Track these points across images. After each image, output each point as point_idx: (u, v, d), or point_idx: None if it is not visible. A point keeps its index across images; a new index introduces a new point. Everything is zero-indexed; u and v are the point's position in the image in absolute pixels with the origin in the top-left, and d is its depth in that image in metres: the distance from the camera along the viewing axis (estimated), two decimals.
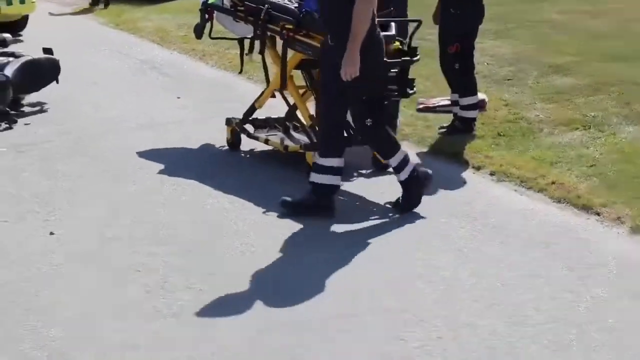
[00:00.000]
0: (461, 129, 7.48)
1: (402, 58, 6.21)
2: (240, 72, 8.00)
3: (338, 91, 5.67)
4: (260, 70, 9.16)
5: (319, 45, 6.21)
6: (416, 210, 5.83)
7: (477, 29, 7.52)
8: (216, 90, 9.69)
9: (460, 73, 7.43)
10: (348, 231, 5.53)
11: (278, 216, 5.74)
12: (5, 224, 5.65)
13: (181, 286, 4.73)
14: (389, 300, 4.60)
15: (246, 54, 7.39)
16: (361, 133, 5.93)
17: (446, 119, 7.72)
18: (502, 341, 4.18)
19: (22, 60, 8.56)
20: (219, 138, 7.43)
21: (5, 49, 8.95)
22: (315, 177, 5.82)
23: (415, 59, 6.28)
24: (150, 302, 4.53)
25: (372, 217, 5.76)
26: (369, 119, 5.68)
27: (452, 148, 7.15)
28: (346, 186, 6.32)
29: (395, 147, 5.86)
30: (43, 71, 8.73)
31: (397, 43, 6.28)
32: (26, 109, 8.67)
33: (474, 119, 7.54)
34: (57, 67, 8.83)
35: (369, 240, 5.37)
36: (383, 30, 6.14)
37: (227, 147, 7.33)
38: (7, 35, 9.44)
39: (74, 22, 15.29)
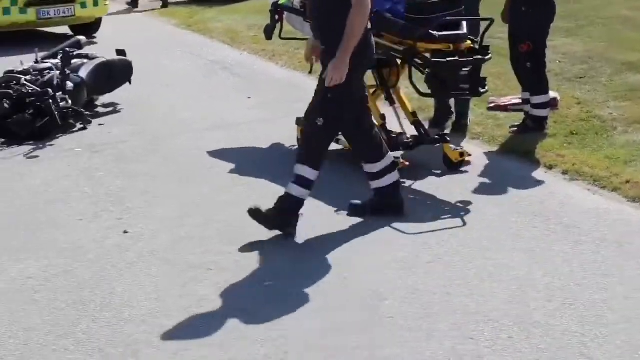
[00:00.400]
0: (533, 128, 7.39)
1: (474, 57, 6.17)
2: (310, 72, 7.98)
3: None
4: None
5: (389, 44, 6.21)
6: (488, 210, 5.78)
7: (548, 27, 7.41)
8: (286, 90, 9.74)
9: (531, 71, 7.34)
10: (419, 231, 5.50)
11: (348, 215, 5.74)
12: (81, 222, 5.76)
13: (251, 284, 4.76)
14: (460, 299, 4.56)
15: None
16: (308, 129, 5.66)
17: (517, 118, 7.64)
18: (575, 341, 4.12)
19: (96, 62, 8.71)
20: (289, 138, 7.47)
21: (80, 51, 9.10)
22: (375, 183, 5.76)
23: (487, 57, 6.23)
24: (221, 300, 4.58)
25: (444, 217, 5.73)
26: (320, 119, 5.44)
27: (524, 147, 7.07)
28: (417, 185, 6.31)
29: (318, 165, 5.53)
30: (116, 72, 8.87)
31: (469, 42, 6.24)
32: (100, 110, 8.83)
33: (545, 118, 7.44)
34: (130, 69, 8.96)
35: (440, 240, 5.34)
36: (454, 29, 6.12)
37: (297, 147, 7.35)
38: (82, 38, 9.62)
39: (146, 24, 15.52)
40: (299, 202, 5.48)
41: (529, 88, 7.40)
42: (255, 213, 5.43)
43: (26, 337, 4.23)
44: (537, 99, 7.35)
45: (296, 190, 5.47)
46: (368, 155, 5.75)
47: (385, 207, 5.74)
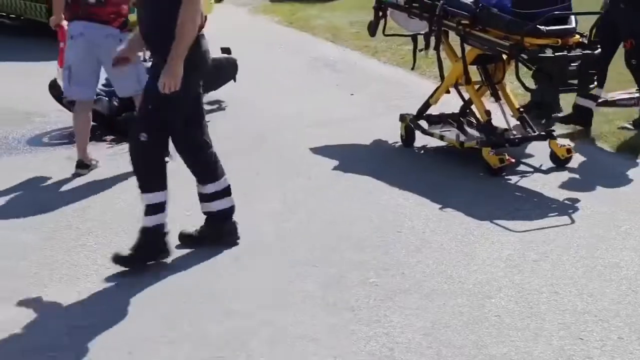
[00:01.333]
0: None
1: (583, 51, 6.04)
2: (413, 68, 8.00)
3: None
4: (433, 66, 9.15)
5: (495, 40, 6.15)
6: (596, 207, 5.67)
7: None
8: (389, 86, 9.72)
9: (636, 68, 7.16)
10: (525, 229, 5.43)
11: (453, 212, 5.70)
12: (189, 216, 5.84)
13: (357, 281, 4.76)
14: (569, 298, 4.49)
15: (420, 50, 7.39)
16: (132, 149, 5.09)
17: (626, 115, 7.47)
18: None
19: None
20: (393, 134, 7.45)
21: None
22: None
23: (596, 52, 6.10)
24: (327, 296, 4.59)
25: (551, 214, 5.65)
26: (144, 134, 4.93)
27: (633, 143, 6.91)
28: (523, 182, 6.23)
29: (161, 184, 5.11)
30: (222, 70, 8.97)
31: (577, 36, 6.12)
32: (205, 107, 8.90)
33: None
34: (235, 66, 9.05)
35: (547, 237, 5.26)
36: (562, 24, 6.01)
37: (400, 144, 7.34)
38: None
39: (249, 22, 15.67)
40: (158, 230, 5.06)
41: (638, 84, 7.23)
42: (118, 259, 4.96)
43: (136, 328, 4.32)
44: None
45: (150, 221, 5.05)
46: (200, 174, 5.36)
47: (214, 235, 5.29)
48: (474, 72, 7.02)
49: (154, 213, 5.05)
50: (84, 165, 6.74)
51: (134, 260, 4.95)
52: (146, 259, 5.01)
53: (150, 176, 5.09)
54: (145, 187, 5.09)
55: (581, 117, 7.36)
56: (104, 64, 6.59)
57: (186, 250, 5.25)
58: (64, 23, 6.98)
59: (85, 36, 6.59)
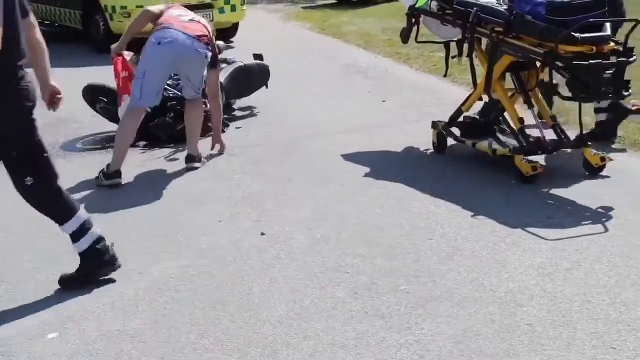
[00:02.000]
0: None
1: (618, 59, 6.00)
2: (445, 75, 7.99)
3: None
4: (464, 73, 9.15)
5: (529, 47, 6.13)
6: (630, 216, 5.62)
7: None
8: (421, 93, 9.71)
9: None
10: (557, 237, 5.39)
11: (485, 220, 5.68)
12: (220, 223, 5.87)
13: (388, 288, 4.75)
14: (601, 307, 4.44)
15: (453, 57, 7.38)
16: (22, 194, 4.84)
17: None
18: None
19: (234, 66, 8.87)
20: (425, 141, 7.44)
21: (219, 56, 9.27)
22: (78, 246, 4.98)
23: (631, 59, 6.04)
24: (357, 303, 4.58)
25: (584, 222, 5.60)
26: (29, 178, 4.74)
27: None
28: (556, 190, 6.19)
29: (70, 211, 4.92)
30: (254, 76, 9.01)
31: (612, 43, 6.07)
32: (237, 113, 8.99)
33: None
34: (267, 73, 9.09)
35: (579, 246, 5.22)
36: (597, 31, 5.97)
37: (432, 150, 7.33)
38: (220, 43, 9.77)
39: (282, 28, 15.74)
40: (92, 248, 4.96)
41: None
42: (62, 281, 4.95)
43: (168, 335, 4.33)
44: None
45: (80, 245, 4.95)
46: (52, 214, 5.00)
47: (95, 270, 5.01)
48: (507, 79, 6.98)
49: (81, 236, 4.94)
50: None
51: (78, 281, 4.92)
52: (93, 276, 4.96)
53: (56, 207, 4.93)
54: (56, 219, 4.96)
55: (605, 133, 7.30)
56: (187, 74, 7.12)
57: (216, 257, 5.27)
58: (125, 53, 7.17)
59: (175, 44, 6.87)
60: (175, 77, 8.59)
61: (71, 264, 5.07)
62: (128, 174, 6.97)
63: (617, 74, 5.97)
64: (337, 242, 5.42)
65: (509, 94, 6.86)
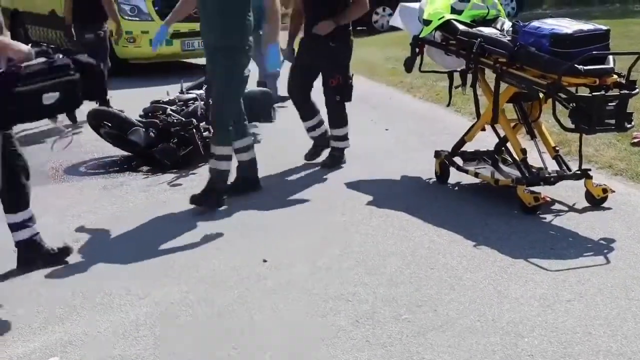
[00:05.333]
0: None
1: (621, 91, 6.02)
2: (448, 104, 8.02)
3: None
4: (467, 102, 9.19)
5: (533, 78, 6.16)
6: (631, 248, 5.63)
7: None
8: (424, 122, 9.74)
9: None
10: (559, 268, 5.39)
11: (487, 250, 5.68)
12: (221, 250, 5.87)
13: (389, 317, 4.74)
14: (603, 339, 4.43)
15: (456, 87, 7.41)
16: None
17: None
18: None
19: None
20: (427, 170, 7.46)
21: None
22: None
23: (634, 92, 6.07)
24: (359, 332, 4.58)
25: (585, 254, 5.60)
26: None
27: None
28: (558, 221, 6.20)
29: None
30: (257, 104, 9.02)
31: (615, 76, 6.10)
32: None
33: None
34: (270, 100, 9.11)
35: (581, 277, 5.21)
36: (600, 64, 6.00)
37: (435, 180, 7.34)
38: None
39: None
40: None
41: None
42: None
43: None
44: None
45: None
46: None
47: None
48: (510, 110, 7.01)
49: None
50: None
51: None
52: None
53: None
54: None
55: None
56: None
57: (217, 283, 5.27)
58: None
59: None
60: (179, 102, 8.64)
61: (74, 287, 5.08)
62: (131, 199, 6.98)
63: (620, 106, 5.99)
64: (339, 271, 5.43)
65: (512, 124, 6.88)
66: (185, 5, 7.01)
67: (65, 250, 5.69)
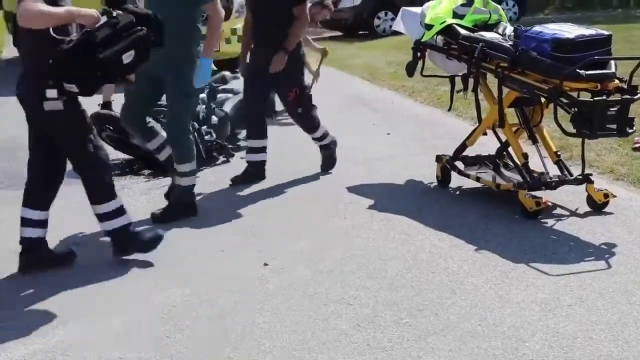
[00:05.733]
0: None
1: (622, 96, 6.03)
2: (450, 109, 8.02)
3: None
4: (469, 107, 9.19)
5: (534, 83, 6.17)
6: (633, 253, 5.63)
7: None
8: (425, 126, 9.75)
9: None
10: (561, 273, 5.39)
11: (488, 254, 5.68)
12: (223, 253, 5.88)
13: (390, 321, 4.75)
14: (604, 344, 4.43)
15: (457, 92, 7.42)
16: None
17: None
18: None
19: (240, 96, 8.90)
20: (429, 175, 7.47)
21: (225, 86, 9.33)
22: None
23: (635, 97, 6.07)
24: (360, 336, 4.58)
25: (587, 259, 5.60)
26: None
27: None
28: (559, 226, 6.20)
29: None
30: None
31: (617, 81, 6.11)
32: (242, 144, 9.01)
33: None
34: (273, 104, 9.12)
35: (582, 282, 5.22)
36: (601, 69, 6.00)
37: (436, 184, 7.35)
38: (227, 73, 9.85)
39: None
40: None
41: None
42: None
43: None
44: None
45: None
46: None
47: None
48: (512, 115, 7.02)
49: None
50: None
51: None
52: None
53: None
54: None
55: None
56: None
57: (218, 286, 5.28)
58: None
59: None
60: None
61: (75, 289, 5.08)
62: (132, 202, 6.98)
63: (622, 112, 5.99)
64: (340, 274, 5.43)
65: (514, 129, 6.88)
66: None
67: (156, 239, 5.86)
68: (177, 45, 6.15)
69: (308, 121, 7.83)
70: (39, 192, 5.59)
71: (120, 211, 5.64)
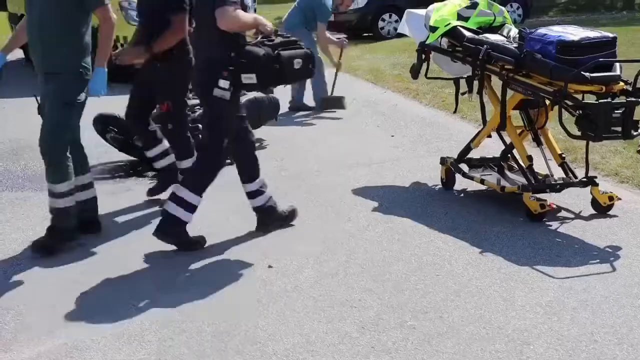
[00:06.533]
0: None
1: (627, 99, 6.02)
2: (455, 111, 8.02)
3: None
4: (473, 109, 9.19)
5: (539, 85, 6.16)
6: (638, 256, 5.62)
7: None
8: (430, 128, 9.74)
9: None
10: (565, 276, 5.38)
11: (493, 257, 5.68)
12: (228, 255, 5.87)
13: (394, 323, 4.74)
14: (608, 347, 4.42)
15: (462, 94, 7.42)
16: None
17: None
18: None
19: (244, 98, 8.91)
20: (433, 177, 7.46)
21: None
22: None
23: None
24: (364, 338, 4.57)
25: (591, 261, 5.59)
26: None
27: None
28: (564, 228, 6.19)
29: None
30: (264, 109, 9.05)
31: (622, 83, 6.10)
32: None
33: None
34: (277, 106, 9.13)
35: (587, 285, 5.21)
36: (606, 71, 5.99)
37: (440, 186, 7.34)
38: None
39: None
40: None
41: None
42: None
43: None
44: None
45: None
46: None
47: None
48: (516, 117, 7.01)
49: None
50: None
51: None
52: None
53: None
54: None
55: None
56: None
57: (223, 288, 5.27)
58: None
59: None
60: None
61: (80, 291, 5.08)
62: (137, 203, 6.99)
63: (627, 114, 5.98)
64: (345, 277, 5.42)
65: (518, 131, 6.88)
66: (22, 32, 6.26)
67: (293, 213, 6.52)
68: (58, 53, 5.82)
69: (178, 143, 6.98)
70: (248, 169, 6.32)
71: (262, 189, 6.32)
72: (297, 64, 5.90)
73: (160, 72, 6.70)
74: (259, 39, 5.93)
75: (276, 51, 5.80)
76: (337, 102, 11.09)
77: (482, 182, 6.89)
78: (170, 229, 5.90)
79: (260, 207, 6.34)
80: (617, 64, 6.16)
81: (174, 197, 5.90)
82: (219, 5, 5.57)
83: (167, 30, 6.56)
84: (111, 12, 5.94)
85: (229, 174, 7.79)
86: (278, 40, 5.94)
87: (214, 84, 5.76)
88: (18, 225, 5.62)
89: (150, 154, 7.14)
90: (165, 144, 7.07)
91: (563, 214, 6.52)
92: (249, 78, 5.75)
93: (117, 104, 9.32)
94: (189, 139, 6.97)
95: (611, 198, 6.46)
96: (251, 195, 6.32)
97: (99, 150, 8.17)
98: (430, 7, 7.31)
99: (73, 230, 6.06)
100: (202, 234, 6.12)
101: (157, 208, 6.92)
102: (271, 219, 6.37)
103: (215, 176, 5.99)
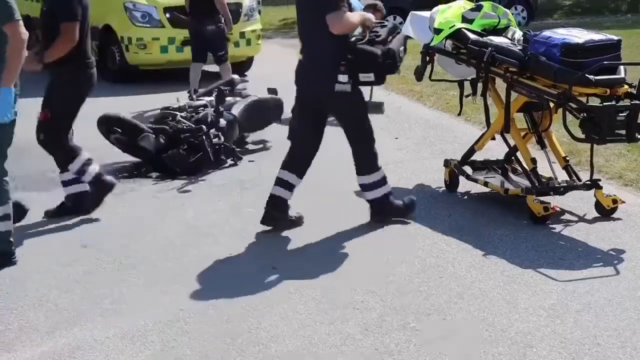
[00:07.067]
0: None
1: (632, 102, 6.01)
2: (459, 113, 8.01)
3: None
4: (477, 111, 9.18)
5: (543, 88, 6.15)
6: (639, 259, 5.63)
7: None
8: (434, 131, 9.73)
9: None
10: (568, 279, 5.37)
11: (496, 260, 5.67)
12: (230, 257, 5.87)
13: (397, 325, 4.74)
14: (612, 350, 4.42)
15: (466, 96, 7.41)
16: None
17: None
18: None
19: (248, 100, 8.92)
20: (437, 179, 7.45)
21: (234, 89, 9.33)
22: None
23: None
24: (367, 340, 4.57)
25: (595, 264, 5.59)
26: None
27: None
28: (568, 231, 6.18)
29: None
30: (268, 111, 9.05)
31: (626, 86, 6.09)
32: (250, 147, 9.02)
33: None
34: (281, 107, 9.12)
35: (590, 288, 5.20)
36: (611, 74, 5.98)
37: (444, 189, 7.33)
38: (235, 77, 9.85)
39: (296, 63, 15.75)
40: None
41: None
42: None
43: None
44: None
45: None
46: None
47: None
48: (520, 119, 7.01)
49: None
50: None
51: None
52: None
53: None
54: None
55: None
56: None
57: (226, 290, 5.27)
58: None
59: None
60: (189, 109, 8.65)
61: (83, 292, 5.08)
62: (141, 205, 6.99)
63: (631, 117, 5.97)
64: (348, 278, 5.42)
65: (522, 134, 6.87)
66: None
67: (411, 205, 6.57)
68: None
69: (55, 154, 6.71)
70: (299, 161, 6.52)
71: (383, 181, 6.42)
72: (402, 52, 6.35)
73: (51, 80, 6.57)
74: (367, 36, 6.20)
75: (387, 47, 6.13)
76: (377, 108, 10.89)
77: (485, 184, 6.88)
78: (382, 209, 6.41)
79: (375, 199, 6.45)
80: (622, 67, 6.15)
81: (365, 187, 6.41)
82: (331, 11, 5.84)
83: (58, 39, 6.37)
84: (21, 29, 5.48)
85: (229, 174, 7.82)
86: (383, 32, 6.28)
87: (334, 81, 6.04)
88: (21, 225, 5.62)
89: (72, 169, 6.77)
90: (82, 155, 6.72)
91: (567, 216, 6.51)
92: (367, 77, 6.12)
93: (122, 105, 9.34)
94: (65, 148, 6.65)
95: (615, 201, 6.45)
96: (365, 188, 6.47)
97: (103, 151, 8.18)
98: (435, 9, 7.31)
99: (10, 257, 5.72)
100: (204, 235, 6.12)
101: (158, 208, 6.93)
102: (388, 210, 6.47)
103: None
